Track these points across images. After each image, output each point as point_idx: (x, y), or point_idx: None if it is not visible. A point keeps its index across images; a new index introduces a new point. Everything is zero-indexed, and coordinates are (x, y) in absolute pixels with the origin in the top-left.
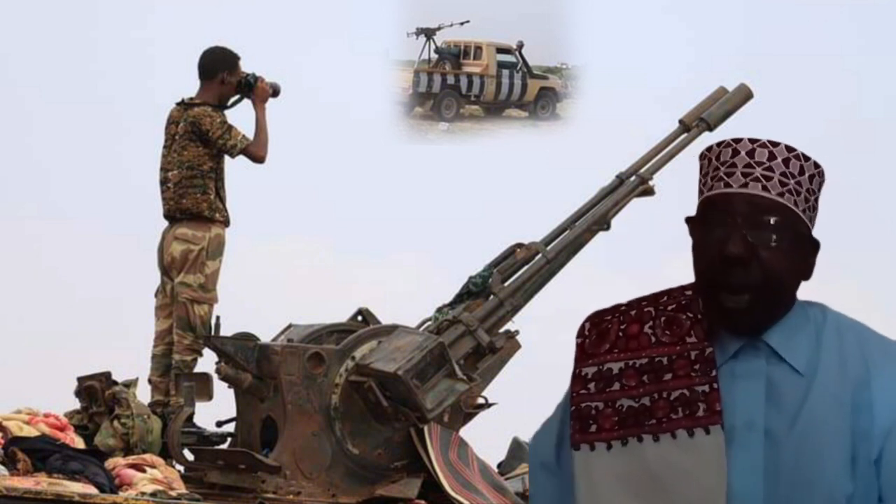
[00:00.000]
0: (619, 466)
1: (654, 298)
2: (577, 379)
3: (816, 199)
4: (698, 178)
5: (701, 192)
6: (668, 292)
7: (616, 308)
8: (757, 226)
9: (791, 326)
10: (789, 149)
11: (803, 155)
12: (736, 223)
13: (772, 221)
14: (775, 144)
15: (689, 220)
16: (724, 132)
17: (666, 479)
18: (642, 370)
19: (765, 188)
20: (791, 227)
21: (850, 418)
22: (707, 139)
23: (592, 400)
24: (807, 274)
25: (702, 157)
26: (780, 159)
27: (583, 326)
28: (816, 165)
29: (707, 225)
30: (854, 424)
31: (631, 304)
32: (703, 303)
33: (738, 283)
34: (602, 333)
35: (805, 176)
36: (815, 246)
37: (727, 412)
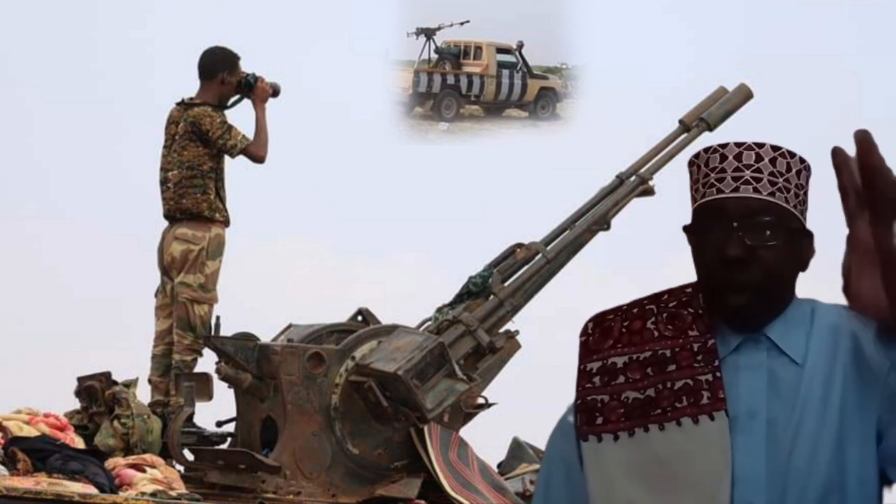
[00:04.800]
0: (627, 456)
1: (655, 297)
2: (583, 374)
3: (806, 193)
4: (689, 184)
5: (694, 198)
6: (669, 291)
7: (618, 308)
8: (752, 227)
9: (790, 320)
10: (775, 148)
11: (789, 152)
12: (731, 226)
13: (766, 221)
14: (761, 146)
15: (686, 230)
16: (724, 132)
17: (673, 466)
18: (646, 363)
19: (756, 190)
20: (784, 224)
21: (838, 401)
22: (707, 139)
23: (598, 393)
24: (804, 266)
25: (690, 163)
26: (766, 160)
27: (586, 326)
28: (802, 160)
29: (704, 231)
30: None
31: (633, 304)
32: (708, 304)
33: (740, 284)
34: (605, 331)
35: (792, 172)
36: (808, 237)
37: (731, 402)
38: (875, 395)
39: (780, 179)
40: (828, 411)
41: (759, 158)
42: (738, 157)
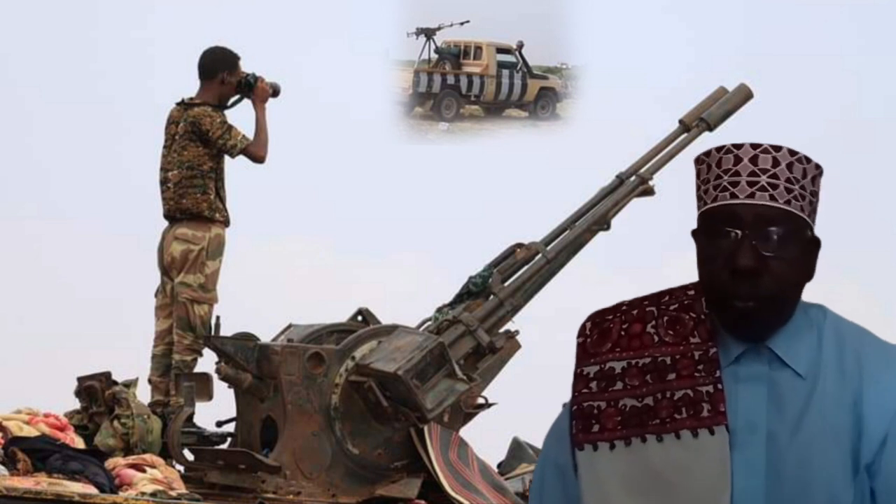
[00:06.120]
0: (623, 466)
1: (655, 298)
2: (579, 378)
3: (818, 200)
4: (696, 182)
5: (701, 199)
6: (670, 292)
7: (617, 307)
8: (766, 236)
9: (794, 330)
10: (792, 152)
11: (805, 157)
12: (745, 234)
13: (780, 231)
14: (777, 149)
15: (694, 234)
16: (724, 132)
17: (670, 479)
18: (645, 370)
19: (772, 198)
20: (798, 233)
21: (850, 419)
22: (707, 139)
23: (594, 399)
24: (811, 274)
25: (699, 161)
26: (783, 165)
27: (584, 326)
28: (817, 166)
29: (713, 237)
30: (854, 425)
31: (632, 304)
32: (712, 310)
33: (748, 294)
34: (604, 333)
35: (808, 178)
36: (816, 245)
37: (730, 415)
38: (876, 434)
39: (797, 187)
40: (839, 434)
41: (776, 163)
42: (753, 161)
